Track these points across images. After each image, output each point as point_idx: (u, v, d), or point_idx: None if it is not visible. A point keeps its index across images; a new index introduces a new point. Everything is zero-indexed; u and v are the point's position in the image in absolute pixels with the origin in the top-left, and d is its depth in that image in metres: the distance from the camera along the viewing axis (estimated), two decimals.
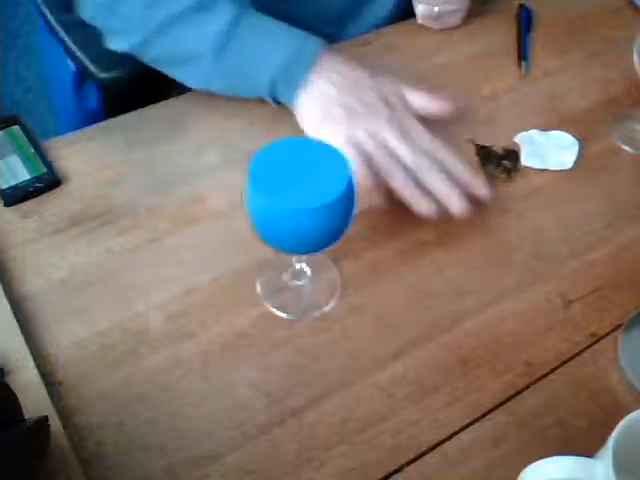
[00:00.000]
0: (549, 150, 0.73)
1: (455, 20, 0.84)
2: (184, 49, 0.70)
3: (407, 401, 0.55)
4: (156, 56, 0.73)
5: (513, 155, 0.72)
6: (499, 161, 0.71)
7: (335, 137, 0.64)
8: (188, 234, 0.64)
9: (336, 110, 0.66)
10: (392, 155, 0.64)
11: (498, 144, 0.73)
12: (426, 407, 0.55)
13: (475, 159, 0.71)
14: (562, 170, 0.72)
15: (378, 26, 0.86)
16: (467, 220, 0.67)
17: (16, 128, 0.70)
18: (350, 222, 0.53)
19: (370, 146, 0.64)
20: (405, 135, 0.65)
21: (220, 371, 0.56)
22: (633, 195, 0.70)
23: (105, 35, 0.74)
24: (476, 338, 0.59)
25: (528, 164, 0.71)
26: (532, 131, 0.74)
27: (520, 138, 0.73)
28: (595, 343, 0.59)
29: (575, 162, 0.72)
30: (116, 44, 0.73)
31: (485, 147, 0.72)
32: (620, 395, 0.56)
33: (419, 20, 0.84)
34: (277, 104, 0.71)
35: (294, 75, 0.67)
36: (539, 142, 0.73)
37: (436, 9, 0.82)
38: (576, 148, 0.73)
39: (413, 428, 0.54)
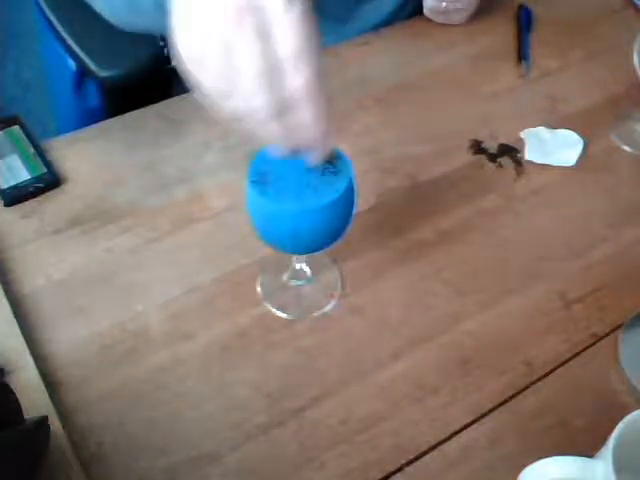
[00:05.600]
0: (554, 147, 0.73)
1: (460, 18, 0.84)
2: None
3: (407, 401, 0.55)
4: None
5: (512, 152, 0.72)
6: (497, 158, 0.71)
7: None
8: (188, 234, 0.64)
9: None
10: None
11: (497, 143, 0.73)
12: (426, 407, 0.55)
13: (474, 157, 0.72)
14: (564, 168, 0.72)
15: (391, 12, 0.86)
16: (467, 220, 0.67)
17: (16, 128, 0.70)
18: (350, 222, 0.53)
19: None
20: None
21: (220, 371, 0.56)
22: (633, 195, 0.70)
23: None
24: (476, 338, 0.59)
25: (531, 159, 0.72)
26: (539, 127, 0.74)
27: (526, 133, 0.74)
28: (595, 343, 0.59)
29: (578, 160, 0.72)
30: None
31: (483, 147, 0.73)
32: (620, 395, 0.56)
33: (425, 12, 0.84)
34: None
35: None
36: (545, 138, 0.73)
37: (444, 4, 0.82)
38: (580, 146, 0.73)
39: (413, 428, 0.54)
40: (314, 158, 0.48)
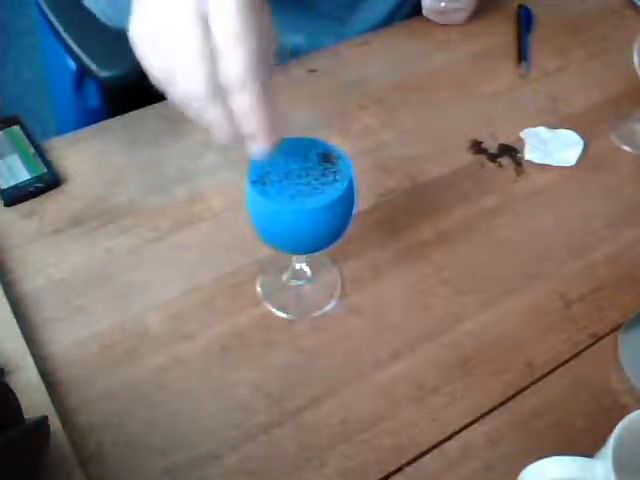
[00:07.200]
0: (554, 147, 0.73)
1: (459, 18, 0.84)
2: None
3: (407, 401, 0.55)
4: None
5: (512, 152, 0.72)
6: (497, 158, 0.72)
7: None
8: (188, 234, 0.64)
9: None
10: None
11: (497, 143, 0.73)
12: (426, 407, 0.55)
13: (474, 157, 0.72)
14: (564, 168, 0.72)
15: (389, 13, 0.86)
16: (467, 220, 0.67)
17: (16, 128, 0.70)
18: (350, 222, 0.53)
19: None
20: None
21: (220, 371, 0.56)
22: (633, 195, 0.70)
23: None
24: (476, 338, 0.59)
25: (531, 159, 0.72)
26: (539, 127, 0.74)
27: (526, 133, 0.74)
28: (595, 343, 0.59)
29: (578, 160, 0.72)
30: None
31: (483, 147, 0.73)
32: (620, 395, 0.56)
33: (424, 12, 0.84)
34: None
35: None
36: (545, 138, 0.73)
37: (442, 4, 0.82)
38: (580, 146, 0.73)
39: (413, 428, 0.54)
40: (258, 148, 0.46)
